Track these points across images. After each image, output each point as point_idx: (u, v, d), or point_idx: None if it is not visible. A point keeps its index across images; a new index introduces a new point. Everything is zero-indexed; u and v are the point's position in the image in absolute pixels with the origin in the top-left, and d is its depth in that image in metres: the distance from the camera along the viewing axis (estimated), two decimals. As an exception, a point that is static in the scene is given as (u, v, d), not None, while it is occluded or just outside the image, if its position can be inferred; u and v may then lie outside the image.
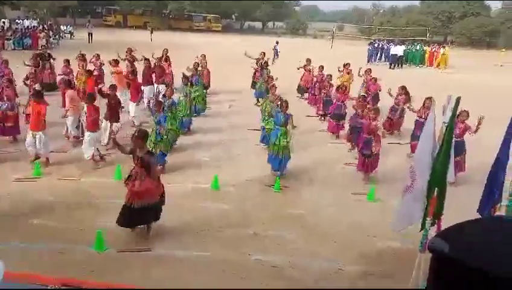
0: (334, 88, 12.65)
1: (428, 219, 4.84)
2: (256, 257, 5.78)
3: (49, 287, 2.18)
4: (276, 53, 30.12)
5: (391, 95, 11.64)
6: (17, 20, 37.78)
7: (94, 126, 8.65)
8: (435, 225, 4.86)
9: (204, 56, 15.91)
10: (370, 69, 14.78)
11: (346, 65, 15.45)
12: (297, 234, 6.45)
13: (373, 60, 31.52)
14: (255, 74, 15.93)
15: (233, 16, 69.30)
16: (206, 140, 10.87)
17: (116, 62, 13.04)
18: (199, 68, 14.42)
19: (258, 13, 63.53)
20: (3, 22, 35.00)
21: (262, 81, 14.32)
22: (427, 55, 32.66)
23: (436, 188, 4.71)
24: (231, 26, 67.24)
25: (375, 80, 13.90)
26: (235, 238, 6.22)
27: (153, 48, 17.65)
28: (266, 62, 15.53)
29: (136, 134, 5.97)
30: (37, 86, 10.93)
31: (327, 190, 8.22)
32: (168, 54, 15.20)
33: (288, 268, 5.61)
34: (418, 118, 9.96)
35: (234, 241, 6.15)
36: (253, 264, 5.65)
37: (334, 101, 11.94)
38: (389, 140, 11.36)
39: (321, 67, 15.31)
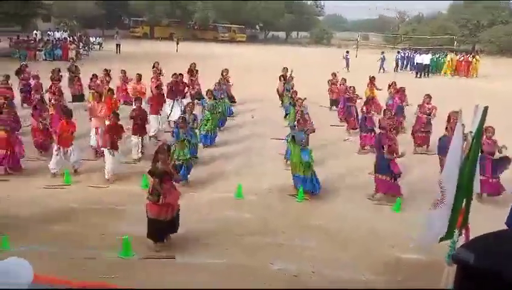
0: (362, 100, 12.48)
1: (455, 230, 4.75)
2: (278, 265, 5.78)
3: (76, 291, 2.24)
4: (347, 62, 30.91)
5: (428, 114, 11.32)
6: (48, 32, 39.07)
7: (112, 143, 8.57)
8: (462, 236, 4.76)
9: (227, 70, 16.02)
10: (395, 82, 14.45)
11: (371, 78, 15.31)
12: (319, 244, 6.42)
13: (399, 69, 31.57)
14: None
15: (257, 26, 69.82)
16: (230, 149, 10.96)
17: (139, 77, 13.41)
18: (223, 82, 14.61)
19: (281, 23, 63.78)
20: (36, 34, 36.29)
21: (288, 96, 14.26)
22: (454, 64, 32.04)
23: (463, 199, 4.63)
24: (255, 36, 67.74)
25: (404, 90, 13.52)
26: (257, 247, 6.24)
27: (178, 58, 17.95)
28: (291, 76, 15.52)
29: (161, 149, 6.09)
30: (63, 104, 11.19)
31: (351, 200, 8.14)
32: (195, 68, 15.44)
33: (310, 277, 5.58)
34: (446, 134, 9.69)
35: (256, 250, 6.17)
36: (275, 272, 5.66)
37: (362, 113, 11.72)
38: (416, 150, 11.19)
39: (343, 80, 15.25)
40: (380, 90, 14.72)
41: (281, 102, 15.80)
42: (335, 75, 16.19)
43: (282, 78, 15.85)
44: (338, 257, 6.10)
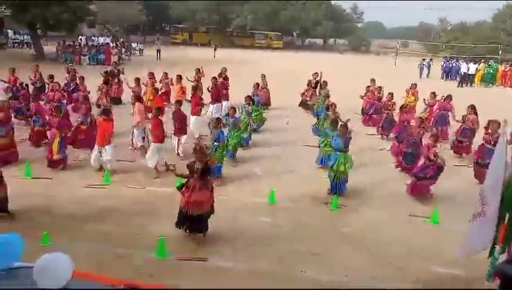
0: (398, 108, 12.24)
1: (497, 246, 4.56)
2: (308, 274, 5.73)
3: (114, 289, 2.30)
4: (422, 69, 31.52)
5: (461, 121, 11.05)
6: (92, 37, 40.67)
7: (158, 139, 9.04)
8: (505, 253, 4.56)
9: (264, 76, 16.20)
10: (434, 92, 14.04)
11: (412, 85, 14.96)
12: (352, 253, 6.32)
13: (443, 77, 31.17)
14: (304, 93, 16.09)
15: (294, 33, 69.88)
16: (263, 154, 10.99)
17: (179, 78, 13.69)
18: (259, 88, 14.78)
19: (319, 30, 63.53)
20: (80, 39, 37.84)
21: (321, 100, 14.16)
22: (499, 74, 30.85)
23: (507, 214, 4.44)
24: (292, 43, 67.81)
25: (450, 98, 12.97)
26: (289, 254, 6.22)
27: (216, 64, 18.19)
28: (325, 82, 15.41)
29: (197, 148, 6.32)
30: (104, 103, 11.60)
31: (386, 210, 7.97)
32: (226, 73, 15.64)
33: (340, 288, 5.49)
34: (484, 143, 9.37)
35: (288, 257, 6.14)
36: (305, 281, 5.61)
37: (398, 122, 11.53)
38: (454, 162, 10.84)
39: (379, 88, 14.97)
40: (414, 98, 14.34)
41: (303, 108, 15.77)
42: (374, 82, 15.91)
43: (311, 83, 15.82)
44: (371, 268, 5.98)
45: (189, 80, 14.89)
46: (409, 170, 9.36)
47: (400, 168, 9.97)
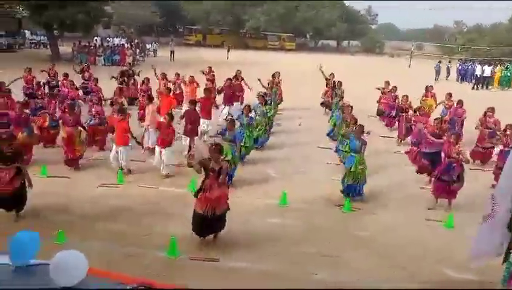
0: (412, 111, 12.09)
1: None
2: (320, 276, 5.70)
3: (128, 287, 2.32)
4: (438, 72, 31.38)
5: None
6: (107, 38, 41.11)
7: (164, 143, 8.97)
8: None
9: (279, 74, 16.18)
10: (450, 93, 13.83)
11: (428, 88, 14.72)
12: (365, 256, 6.28)
13: (458, 80, 30.91)
14: (325, 93, 15.99)
15: (307, 35, 69.73)
16: (276, 156, 10.98)
17: (192, 79, 13.84)
18: (274, 86, 14.76)
19: (332, 31, 63.30)
20: (96, 40, 38.30)
21: (337, 101, 14.09)
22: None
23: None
24: (305, 44, 67.65)
25: (462, 103, 12.80)
26: (300, 256, 6.20)
27: (229, 65, 18.23)
28: (340, 82, 15.34)
29: (214, 147, 6.26)
30: (124, 102, 11.71)
31: (400, 213, 7.90)
32: (241, 75, 15.66)
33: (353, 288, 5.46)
34: (503, 148, 9.22)
35: (300, 259, 6.13)
36: (316, 283, 5.59)
37: (415, 126, 11.35)
38: (470, 165, 10.67)
39: (394, 88, 14.81)
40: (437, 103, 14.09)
41: (324, 107, 15.73)
42: (388, 84, 15.76)
43: (328, 84, 15.77)
44: (384, 271, 5.93)
45: (203, 73, 14.96)
46: (431, 172, 9.15)
47: (419, 172, 9.75)
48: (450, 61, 35.63)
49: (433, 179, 8.45)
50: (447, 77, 32.13)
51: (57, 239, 5.97)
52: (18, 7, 33.04)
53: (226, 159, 8.25)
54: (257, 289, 5.27)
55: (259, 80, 14.21)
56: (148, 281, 2.37)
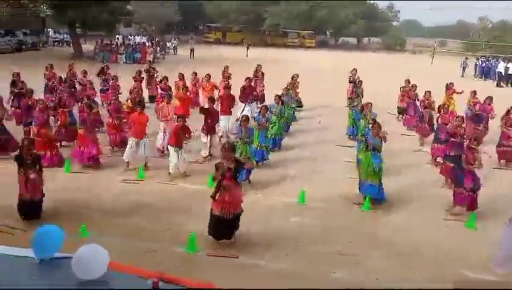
0: (436, 109, 11.84)
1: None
2: (338, 275, 5.67)
3: (148, 281, 2.36)
4: (464, 68, 30.98)
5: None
6: (129, 37, 41.63)
7: (177, 142, 8.93)
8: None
9: (297, 76, 16.07)
10: (475, 91, 13.49)
11: (449, 85, 14.41)
12: (384, 257, 6.21)
13: (480, 77, 30.22)
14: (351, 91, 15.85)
15: (327, 32, 69.16)
16: (295, 155, 10.95)
17: (209, 77, 13.85)
18: (291, 88, 14.68)
19: (353, 28, 62.61)
20: (117, 38, 38.83)
21: (358, 100, 13.94)
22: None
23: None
24: (325, 42, 67.09)
25: (491, 100, 12.42)
26: (319, 255, 6.19)
27: (248, 63, 18.23)
28: (361, 81, 15.15)
29: (226, 147, 6.26)
30: (138, 98, 11.84)
31: (421, 213, 7.78)
32: (262, 71, 15.66)
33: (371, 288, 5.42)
34: None
35: (318, 258, 6.11)
36: (335, 282, 5.56)
37: (437, 123, 11.14)
38: (495, 165, 10.45)
39: (414, 86, 14.56)
40: (460, 93, 13.76)
41: (348, 105, 15.59)
42: (409, 82, 15.51)
43: (351, 80, 15.61)
44: (404, 271, 5.86)
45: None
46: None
47: (442, 173, 9.57)
48: (477, 58, 34.87)
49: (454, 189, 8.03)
50: (475, 74, 31.46)
51: (80, 233, 6.09)
52: (42, 6, 33.78)
53: (246, 157, 8.29)
54: (276, 288, 5.28)
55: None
56: (167, 276, 2.40)
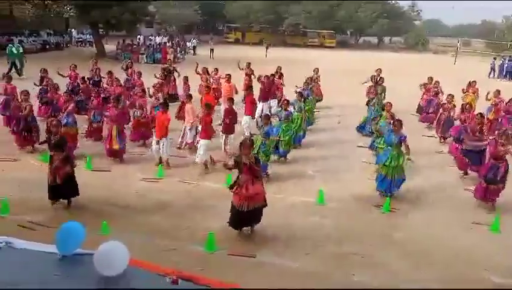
0: (458, 108, 11.64)
1: None
2: (359, 277, 5.61)
3: (167, 279, 2.37)
4: (492, 69, 30.67)
5: None
6: (150, 37, 42.10)
7: (208, 135, 9.22)
8: None
9: (317, 70, 16.08)
10: (499, 90, 13.20)
11: (472, 83, 14.14)
12: (404, 259, 6.12)
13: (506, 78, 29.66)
14: (369, 90, 15.67)
15: (348, 32, 68.54)
16: (314, 154, 10.89)
17: (229, 77, 13.97)
18: (312, 82, 14.70)
19: (374, 28, 61.87)
20: (139, 38, 39.32)
21: (378, 99, 13.79)
22: None
23: None
24: (345, 41, 66.51)
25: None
26: (337, 256, 6.14)
27: (267, 63, 18.20)
28: (382, 78, 14.97)
29: (243, 143, 6.33)
30: (160, 97, 11.98)
31: (441, 216, 7.64)
32: (281, 71, 15.67)
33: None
34: None
35: (336, 259, 6.06)
36: (353, 284, 5.51)
37: (457, 122, 10.98)
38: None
39: (437, 83, 14.31)
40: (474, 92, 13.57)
41: (366, 103, 15.47)
42: (431, 79, 15.25)
43: (373, 79, 15.46)
44: (424, 275, 5.76)
45: (240, 69, 15.15)
46: (475, 171, 8.94)
47: (463, 173, 9.47)
48: (502, 59, 33.95)
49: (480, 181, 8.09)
50: (499, 74, 30.69)
51: (101, 230, 6.18)
52: (66, 7, 34.48)
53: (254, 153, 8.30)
54: (295, 288, 5.26)
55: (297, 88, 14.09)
56: (186, 274, 2.41)
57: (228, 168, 6.89)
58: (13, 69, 20.59)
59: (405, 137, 8.02)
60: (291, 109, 10.61)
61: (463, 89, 14.21)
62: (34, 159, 9.38)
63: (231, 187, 6.35)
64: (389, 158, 7.99)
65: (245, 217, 6.27)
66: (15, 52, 21.58)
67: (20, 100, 10.26)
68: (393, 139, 8.02)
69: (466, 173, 9.46)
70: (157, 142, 9.35)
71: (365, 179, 9.05)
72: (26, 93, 10.14)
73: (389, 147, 8.15)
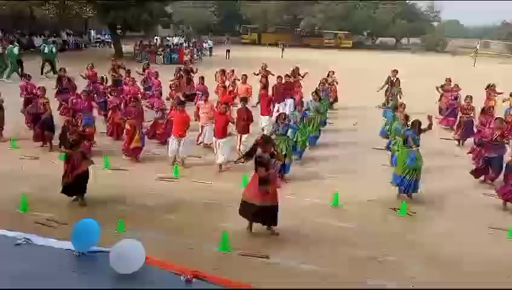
0: (478, 111, 11.44)
1: None
2: (375, 281, 5.54)
3: (181, 277, 2.39)
4: None
5: None
6: (167, 38, 42.47)
7: (222, 133, 9.25)
8: None
9: (333, 72, 16.02)
10: None
11: (491, 86, 13.86)
12: (419, 264, 6.03)
13: None
14: (386, 92, 15.58)
15: (364, 33, 67.98)
16: (329, 155, 10.82)
17: (245, 78, 14.00)
18: (327, 84, 14.65)
19: (391, 29, 61.23)
20: (156, 39, 39.69)
21: (394, 100, 13.66)
22: None
23: None
24: (362, 42, 65.95)
25: None
26: (353, 259, 6.08)
27: (283, 64, 18.18)
28: (398, 80, 14.82)
29: (261, 139, 6.41)
30: (180, 96, 12.09)
31: (459, 220, 7.51)
32: (299, 71, 15.67)
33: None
34: None
35: (352, 262, 6.01)
36: (367, 287, 5.45)
37: (477, 126, 10.77)
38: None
39: (456, 86, 14.10)
40: (500, 93, 13.32)
41: (383, 104, 15.33)
42: (450, 81, 15.02)
43: (389, 80, 15.33)
44: (439, 280, 5.67)
45: (255, 75, 15.19)
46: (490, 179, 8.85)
47: (481, 178, 9.31)
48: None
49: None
50: None
51: (117, 228, 6.25)
52: (85, 8, 35.00)
53: (282, 153, 8.31)
54: (308, 288, 5.23)
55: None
56: (201, 273, 2.42)
57: (241, 162, 6.90)
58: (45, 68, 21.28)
59: (412, 133, 8.05)
60: (306, 111, 10.59)
61: (487, 92, 13.87)
62: (55, 158, 9.52)
63: (261, 185, 6.24)
64: (416, 158, 7.92)
65: (251, 210, 6.30)
66: (46, 51, 22.01)
67: (38, 96, 10.53)
68: (417, 140, 8.02)
69: (484, 179, 9.30)
70: (177, 142, 9.39)
71: (381, 181, 8.94)
72: (42, 89, 10.40)
73: (413, 149, 8.04)
